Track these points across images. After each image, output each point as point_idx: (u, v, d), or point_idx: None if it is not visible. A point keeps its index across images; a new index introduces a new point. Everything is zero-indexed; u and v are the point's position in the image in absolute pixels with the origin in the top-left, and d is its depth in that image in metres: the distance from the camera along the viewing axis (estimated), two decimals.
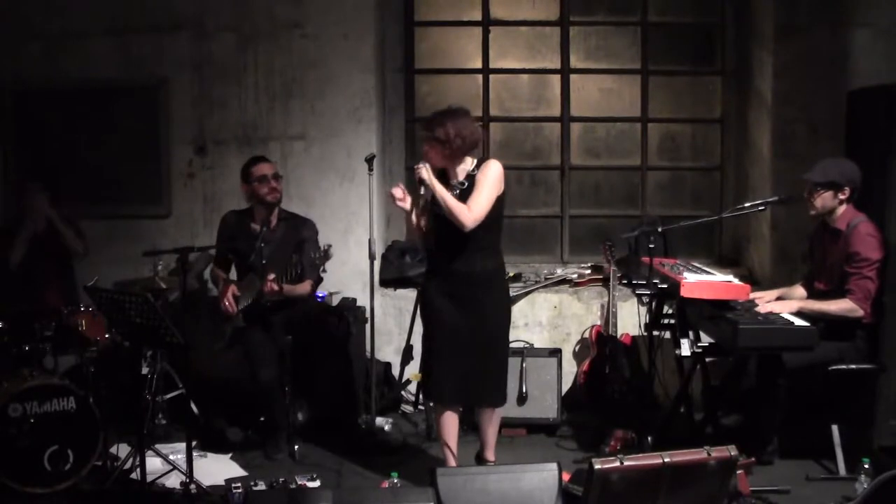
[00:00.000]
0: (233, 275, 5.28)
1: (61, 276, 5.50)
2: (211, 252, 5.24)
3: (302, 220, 5.29)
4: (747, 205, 4.99)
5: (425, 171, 4.26)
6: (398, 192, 4.35)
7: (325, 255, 4.75)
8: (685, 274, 4.67)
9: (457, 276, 4.31)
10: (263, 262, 5.03)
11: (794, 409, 4.74)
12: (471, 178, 4.32)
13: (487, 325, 4.34)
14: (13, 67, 5.95)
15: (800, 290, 4.96)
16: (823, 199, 4.70)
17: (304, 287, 5.10)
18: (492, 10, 6.40)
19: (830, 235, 4.76)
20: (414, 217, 4.39)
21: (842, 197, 4.68)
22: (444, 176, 4.39)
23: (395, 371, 5.84)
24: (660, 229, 4.85)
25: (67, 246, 5.45)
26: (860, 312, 4.58)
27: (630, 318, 5.67)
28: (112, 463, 4.58)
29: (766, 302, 4.68)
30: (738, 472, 3.83)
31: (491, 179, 4.27)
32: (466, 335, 4.30)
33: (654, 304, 5.04)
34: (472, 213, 4.21)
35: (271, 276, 4.83)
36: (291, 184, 5.92)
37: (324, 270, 4.89)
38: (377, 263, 5.49)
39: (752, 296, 4.64)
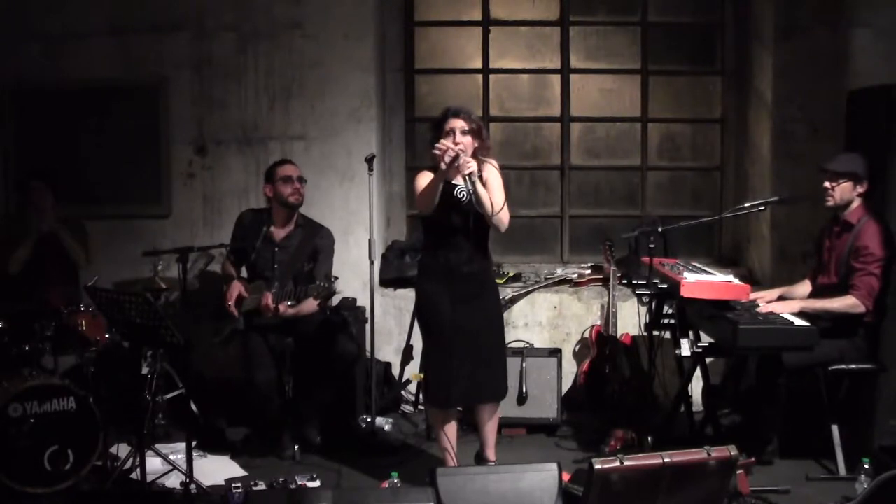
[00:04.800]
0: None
1: (65, 278, 5.47)
2: (210, 252, 5.23)
3: (318, 227, 5.23)
4: (747, 205, 4.98)
5: (475, 163, 4.22)
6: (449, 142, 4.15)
7: (328, 289, 4.72)
8: (685, 274, 4.67)
9: (457, 274, 4.30)
10: (276, 267, 5.03)
11: (794, 409, 4.74)
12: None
13: (489, 321, 4.36)
14: (13, 67, 5.95)
15: (804, 287, 4.95)
16: (843, 190, 4.68)
17: (311, 306, 4.97)
18: (492, 10, 6.40)
19: (841, 227, 4.74)
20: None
21: (860, 190, 4.68)
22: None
23: (395, 371, 5.85)
24: (660, 229, 4.84)
25: (70, 256, 5.43)
26: (862, 309, 4.57)
27: (630, 318, 5.67)
28: (112, 463, 4.57)
29: (768, 302, 4.68)
30: (738, 472, 3.83)
31: (500, 179, 4.35)
32: (468, 333, 4.29)
33: (654, 304, 5.04)
34: (506, 214, 4.27)
35: (270, 293, 4.84)
36: None
37: (321, 299, 4.82)
38: (377, 263, 5.49)
39: (752, 296, 4.64)
